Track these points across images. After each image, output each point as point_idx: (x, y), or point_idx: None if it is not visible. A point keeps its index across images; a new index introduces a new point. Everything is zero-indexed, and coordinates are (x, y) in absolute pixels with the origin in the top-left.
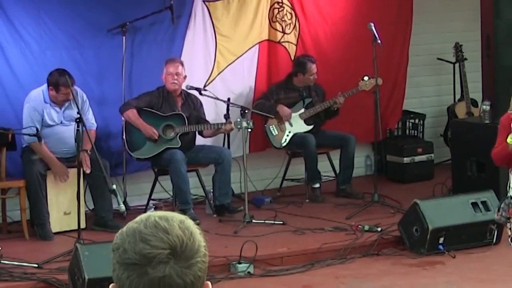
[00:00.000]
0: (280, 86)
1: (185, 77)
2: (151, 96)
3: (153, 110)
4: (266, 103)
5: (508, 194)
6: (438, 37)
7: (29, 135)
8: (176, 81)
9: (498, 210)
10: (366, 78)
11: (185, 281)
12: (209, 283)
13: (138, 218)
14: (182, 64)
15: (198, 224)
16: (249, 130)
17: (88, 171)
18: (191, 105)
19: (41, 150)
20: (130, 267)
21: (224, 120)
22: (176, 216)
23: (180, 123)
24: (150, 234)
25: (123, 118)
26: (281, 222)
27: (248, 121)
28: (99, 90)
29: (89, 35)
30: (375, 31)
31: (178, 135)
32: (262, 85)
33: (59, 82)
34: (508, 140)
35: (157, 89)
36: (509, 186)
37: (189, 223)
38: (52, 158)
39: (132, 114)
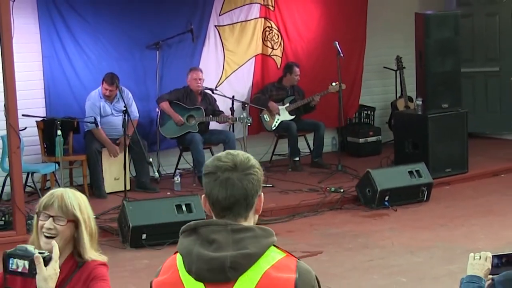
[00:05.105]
0: (273, 85)
1: (203, 80)
2: (179, 93)
3: (179, 103)
4: (261, 97)
5: None
6: (384, 51)
7: (89, 122)
8: (199, 84)
9: None
10: (333, 84)
11: (242, 183)
12: (262, 194)
13: None
14: (201, 71)
15: None
16: (249, 124)
17: (119, 154)
18: (208, 101)
19: (99, 134)
20: (208, 175)
21: (230, 112)
22: (243, 153)
23: (199, 114)
24: (222, 156)
25: (157, 109)
26: (271, 185)
27: (248, 117)
28: (139, 90)
29: (132, 50)
30: (339, 47)
31: (197, 123)
32: (257, 86)
33: (104, 79)
34: None
35: (183, 87)
36: None
37: (251, 157)
38: (107, 140)
39: (165, 105)
